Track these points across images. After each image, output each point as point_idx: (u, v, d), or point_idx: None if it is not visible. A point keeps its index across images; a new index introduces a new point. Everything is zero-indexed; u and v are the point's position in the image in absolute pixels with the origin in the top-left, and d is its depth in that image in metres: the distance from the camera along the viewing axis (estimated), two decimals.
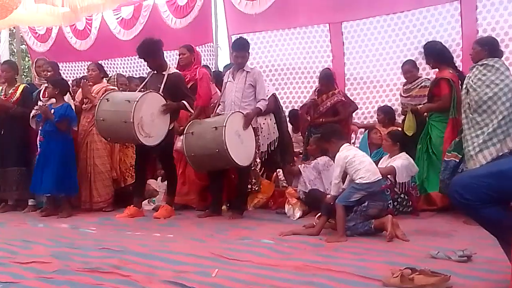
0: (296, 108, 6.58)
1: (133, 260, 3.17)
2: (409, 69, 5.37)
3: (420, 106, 4.96)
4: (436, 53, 4.91)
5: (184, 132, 4.67)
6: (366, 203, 3.79)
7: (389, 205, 4.56)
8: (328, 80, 5.67)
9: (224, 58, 7.52)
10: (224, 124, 4.44)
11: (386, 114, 5.69)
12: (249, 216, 4.90)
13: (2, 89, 5.91)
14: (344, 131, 4.77)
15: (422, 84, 5.21)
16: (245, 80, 4.91)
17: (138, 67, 8.26)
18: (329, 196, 3.96)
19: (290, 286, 2.55)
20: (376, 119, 5.95)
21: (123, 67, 8.52)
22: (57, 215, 5.30)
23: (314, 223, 4.00)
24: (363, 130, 6.31)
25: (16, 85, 5.91)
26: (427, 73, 5.58)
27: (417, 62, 5.50)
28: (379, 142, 5.42)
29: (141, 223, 4.74)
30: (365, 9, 6.28)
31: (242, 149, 4.63)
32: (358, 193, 3.79)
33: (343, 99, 5.67)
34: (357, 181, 3.82)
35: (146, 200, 5.66)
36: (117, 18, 8.35)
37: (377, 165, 4.91)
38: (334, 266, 2.89)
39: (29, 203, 5.84)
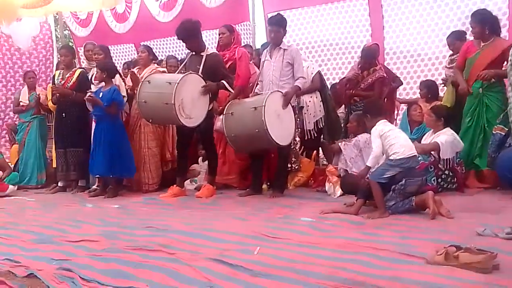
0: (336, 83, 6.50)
1: (177, 238, 3.24)
2: (453, 41, 5.20)
3: (484, 72, 4.62)
4: (489, 21, 4.69)
5: (224, 113, 4.69)
6: (403, 181, 3.70)
7: (433, 181, 4.50)
8: (371, 57, 5.58)
9: (261, 37, 7.48)
10: (263, 104, 4.43)
11: (428, 88, 5.52)
12: (289, 194, 4.91)
13: (60, 73, 6.08)
14: (384, 107, 4.67)
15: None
16: (283, 58, 4.85)
17: (176, 48, 8.33)
18: (363, 169, 3.93)
19: (331, 263, 2.56)
20: (419, 94, 5.80)
21: (162, 49, 8.57)
22: (104, 196, 5.48)
23: (354, 202, 3.97)
24: (403, 106, 6.19)
25: (73, 69, 6.06)
26: None
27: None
28: (420, 119, 5.29)
29: (184, 203, 4.83)
30: None
31: (281, 128, 4.62)
32: (392, 170, 3.72)
33: (385, 75, 5.55)
34: (391, 157, 3.76)
35: (188, 180, 5.77)
36: (157, 0, 8.40)
37: (420, 142, 4.84)
38: (376, 243, 2.87)
39: (79, 184, 6.05)
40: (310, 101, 5.40)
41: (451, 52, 5.39)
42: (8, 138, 8.91)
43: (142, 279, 2.47)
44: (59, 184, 6.16)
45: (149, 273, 2.55)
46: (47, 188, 6.37)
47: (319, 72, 5.68)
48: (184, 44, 5.25)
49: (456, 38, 5.23)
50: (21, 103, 6.86)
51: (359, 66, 5.65)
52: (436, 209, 3.54)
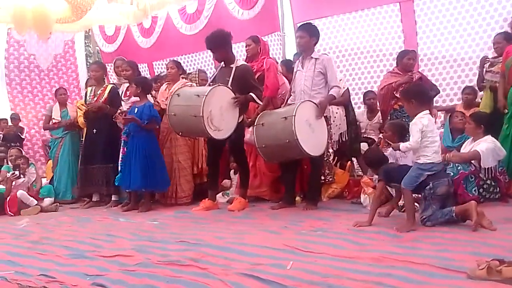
0: (370, 90, 6.45)
1: (210, 252, 3.26)
2: (499, 40, 5.10)
3: None
4: None
5: (255, 124, 4.71)
6: (430, 185, 3.65)
7: (474, 191, 4.37)
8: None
9: (291, 47, 7.49)
10: (294, 114, 4.41)
11: (472, 94, 5.43)
12: (323, 207, 4.87)
13: (91, 90, 6.26)
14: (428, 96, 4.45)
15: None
16: (314, 67, 4.84)
17: (203, 63, 8.42)
18: (397, 144, 3.92)
19: (367, 278, 2.51)
20: (462, 100, 5.68)
21: (188, 64, 8.67)
22: (138, 210, 5.56)
23: (384, 214, 4.02)
24: (440, 114, 6.07)
25: (104, 85, 6.24)
26: None
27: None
28: (461, 126, 5.15)
29: (216, 216, 4.86)
30: None
31: (313, 138, 4.59)
32: (423, 175, 3.66)
33: (421, 75, 5.55)
34: (420, 160, 3.68)
35: (221, 193, 5.80)
36: (182, 14, 8.53)
37: (459, 150, 4.71)
38: (414, 257, 2.80)
39: (112, 198, 6.19)
40: (337, 113, 5.38)
41: (490, 55, 5.27)
42: (44, 154, 9.22)
43: None
44: (93, 199, 6.30)
45: None
46: (81, 203, 6.52)
47: (347, 89, 5.76)
48: (209, 58, 5.30)
49: (503, 38, 5.08)
50: (53, 120, 7.06)
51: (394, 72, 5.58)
52: (478, 220, 3.42)
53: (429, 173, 3.66)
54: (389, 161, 4.73)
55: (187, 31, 8.42)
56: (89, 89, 6.37)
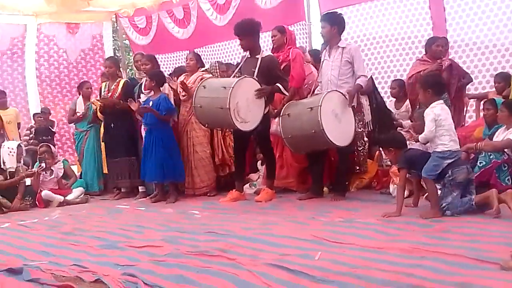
0: (399, 78, 6.33)
1: (238, 243, 3.29)
2: None
3: None
4: None
5: (281, 114, 4.71)
6: (449, 172, 3.68)
7: (508, 180, 4.28)
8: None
9: (317, 36, 7.41)
10: (320, 104, 4.40)
11: (505, 80, 5.27)
12: (352, 197, 4.86)
13: (105, 85, 6.39)
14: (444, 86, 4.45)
15: None
16: (341, 57, 4.79)
17: (233, 52, 8.43)
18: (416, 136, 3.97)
19: (396, 269, 2.49)
20: (494, 88, 5.53)
21: (218, 53, 8.69)
22: (165, 201, 5.65)
23: (412, 204, 4.05)
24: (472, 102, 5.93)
25: (117, 81, 6.34)
26: None
27: None
28: (489, 119, 5.01)
29: (243, 207, 4.90)
30: None
31: (340, 129, 4.57)
32: (444, 163, 3.69)
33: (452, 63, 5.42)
34: (439, 149, 3.72)
35: (248, 184, 5.83)
36: (212, 4, 8.55)
37: (491, 139, 4.60)
38: (444, 248, 2.78)
39: (140, 190, 6.29)
40: (364, 103, 5.30)
41: None
42: (72, 146, 9.41)
43: (204, 284, 2.52)
44: (122, 190, 6.43)
45: (210, 279, 2.59)
46: (110, 194, 6.65)
47: (371, 77, 5.68)
48: (238, 47, 5.29)
49: None
50: (77, 113, 7.19)
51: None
52: (499, 208, 3.44)
53: (448, 161, 3.70)
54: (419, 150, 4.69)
55: (220, 22, 8.41)
56: (103, 84, 6.49)
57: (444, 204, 3.69)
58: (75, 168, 7.72)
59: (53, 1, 7.52)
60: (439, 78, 4.18)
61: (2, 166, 6.00)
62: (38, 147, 6.83)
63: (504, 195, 3.55)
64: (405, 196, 4.50)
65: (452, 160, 3.71)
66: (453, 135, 3.80)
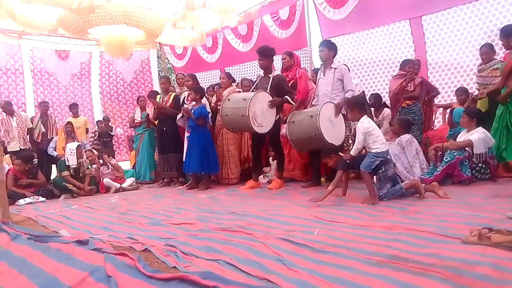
0: (376, 92, 6.29)
1: (253, 221, 3.30)
2: (486, 51, 4.84)
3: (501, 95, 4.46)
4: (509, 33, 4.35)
5: (287, 121, 4.71)
6: (383, 168, 3.73)
7: (468, 172, 4.23)
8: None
9: (317, 59, 7.39)
10: (318, 113, 4.40)
11: (466, 93, 5.21)
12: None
13: (160, 97, 6.46)
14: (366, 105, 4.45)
15: (494, 66, 4.68)
16: (334, 75, 4.79)
17: (252, 71, 8.46)
18: (348, 154, 3.91)
19: (379, 242, 2.48)
20: (455, 99, 5.46)
21: (241, 72, 8.76)
22: (198, 188, 5.68)
23: (341, 194, 4.14)
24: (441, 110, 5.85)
25: (169, 93, 6.40)
26: (501, 57, 4.94)
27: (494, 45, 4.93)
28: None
29: (259, 193, 4.91)
30: (444, 1, 5.68)
31: (334, 132, 4.55)
32: (377, 160, 3.72)
33: (422, 80, 5.41)
34: (373, 150, 3.74)
35: (262, 175, 5.84)
36: (236, 35, 8.61)
37: (455, 140, 4.55)
38: (417, 226, 2.75)
39: (179, 180, 6.34)
40: None
41: (480, 61, 5.02)
42: (127, 146, 9.56)
43: (227, 253, 2.53)
44: (165, 180, 6.48)
45: (232, 249, 2.61)
46: (156, 183, 6.71)
47: (363, 91, 5.69)
48: (256, 68, 5.29)
49: (490, 49, 4.84)
50: (135, 120, 7.31)
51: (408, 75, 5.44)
52: (423, 192, 3.64)
53: (381, 158, 3.72)
54: (397, 149, 4.64)
55: (244, 48, 8.50)
56: (158, 96, 6.55)
57: (381, 194, 3.73)
58: (127, 164, 7.84)
59: (113, 52, 7.70)
60: (362, 99, 4.27)
61: (67, 163, 6.08)
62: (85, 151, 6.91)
63: (431, 186, 3.72)
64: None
65: (383, 158, 3.75)
66: (383, 139, 3.80)
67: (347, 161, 3.87)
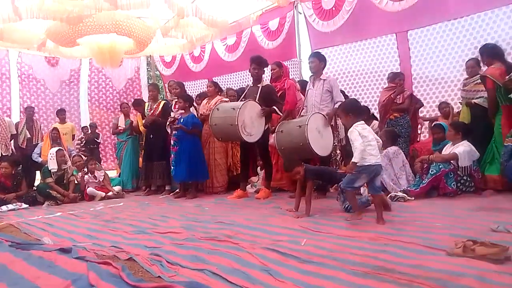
0: (366, 105, 6.36)
1: (240, 231, 3.27)
2: (472, 65, 4.94)
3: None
4: (487, 50, 4.47)
5: (276, 131, 4.72)
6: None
7: (453, 185, 4.28)
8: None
9: (307, 70, 7.45)
10: (306, 123, 4.41)
11: (449, 106, 5.32)
12: (331, 196, 4.82)
13: (149, 105, 6.45)
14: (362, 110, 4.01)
15: (477, 81, 4.77)
16: (323, 86, 4.83)
17: (238, 81, 8.49)
18: (351, 164, 3.33)
19: (365, 253, 2.48)
20: (438, 112, 5.56)
21: (227, 81, 8.77)
22: (185, 197, 5.63)
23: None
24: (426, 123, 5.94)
25: (158, 101, 6.37)
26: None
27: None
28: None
29: (246, 202, 4.88)
30: (429, 17, 5.80)
31: (321, 142, 4.57)
32: (361, 177, 3.37)
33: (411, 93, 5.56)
34: (359, 162, 3.29)
35: (249, 185, 5.82)
36: (224, 45, 8.65)
37: (441, 152, 4.61)
38: (403, 237, 2.76)
39: (166, 188, 6.28)
40: (339, 122, 5.31)
41: (465, 76, 5.13)
42: (114, 153, 9.46)
43: (213, 263, 2.50)
44: (152, 188, 6.41)
45: (219, 258, 2.57)
46: (142, 191, 6.62)
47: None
48: (242, 78, 5.30)
49: (476, 63, 4.93)
50: (119, 127, 7.25)
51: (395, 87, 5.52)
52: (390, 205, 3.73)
53: (365, 174, 3.36)
54: (383, 161, 4.66)
55: (229, 58, 8.53)
56: (146, 104, 6.54)
57: (347, 205, 3.72)
58: (114, 172, 7.75)
59: (102, 61, 7.68)
60: (356, 104, 3.75)
61: (50, 169, 5.97)
62: (72, 157, 6.85)
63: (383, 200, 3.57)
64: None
65: (366, 173, 3.36)
66: (375, 151, 3.34)
67: (341, 172, 3.78)
